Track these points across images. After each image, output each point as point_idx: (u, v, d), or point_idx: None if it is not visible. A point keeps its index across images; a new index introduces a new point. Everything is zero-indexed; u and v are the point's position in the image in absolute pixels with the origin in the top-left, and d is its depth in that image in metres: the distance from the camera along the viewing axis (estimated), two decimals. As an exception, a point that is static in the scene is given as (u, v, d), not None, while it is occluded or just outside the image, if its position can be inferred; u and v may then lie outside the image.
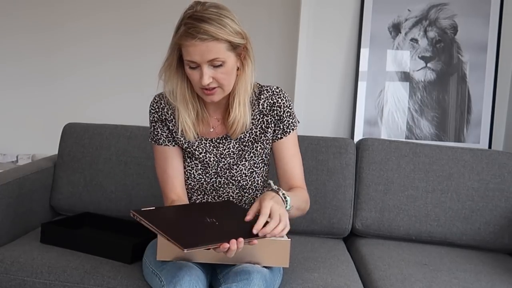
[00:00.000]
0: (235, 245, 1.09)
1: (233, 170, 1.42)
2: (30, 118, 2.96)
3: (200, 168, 1.43)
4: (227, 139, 1.41)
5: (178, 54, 1.29)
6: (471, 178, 1.87)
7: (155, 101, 1.42)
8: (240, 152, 1.42)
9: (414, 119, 2.12)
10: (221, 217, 1.23)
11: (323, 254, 1.67)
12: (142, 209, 1.22)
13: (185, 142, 1.41)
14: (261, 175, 1.46)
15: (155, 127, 1.43)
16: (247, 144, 1.42)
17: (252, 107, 1.39)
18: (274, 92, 1.40)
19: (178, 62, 1.31)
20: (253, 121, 1.40)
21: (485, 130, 2.10)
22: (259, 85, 1.42)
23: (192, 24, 1.21)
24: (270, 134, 1.42)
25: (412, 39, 2.11)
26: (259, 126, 1.41)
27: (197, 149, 1.41)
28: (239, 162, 1.42)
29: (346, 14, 2.15)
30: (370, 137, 2.00)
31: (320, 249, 1.73)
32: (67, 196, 1.94)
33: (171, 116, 1.40)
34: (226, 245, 1.08)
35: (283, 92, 1.41)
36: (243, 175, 1.43)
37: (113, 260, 1.50)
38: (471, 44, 2.10)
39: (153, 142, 1.45)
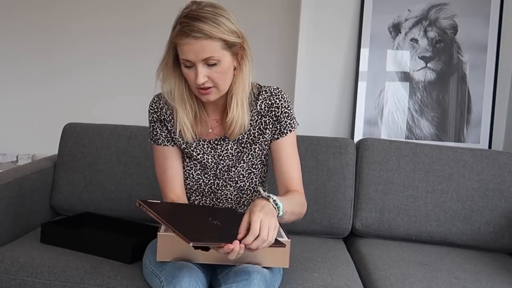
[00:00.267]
0: (238, 246, 1.08)
1: (231, 172, 1.42)
2: (30, 118, 2.96)
3: (199, 169, 1.43)
4: (225, 141, 1.41)
5: (174, 53, 1.30)
6: (471, 178, 1.87)
7: (154, 101, 1.42)
8: (239, 154, 1.42)
9: (414, 119, 2.12)
10: (223, 221, 1.23)
11: (323, 254, 1.67)
12: (149, 200, 1.22)
13: (183, 142, 1.41)
14: (259, 176, 1.46)
15: (154, 127, 1.43)
16: (245, 146, 1.41)
17: (250, 108, 1.39)
18: (273, 93, 1.39)
19: (175, 61, 1.32)
20: (251, 122, 1.39)
21: (485, 130, 2.10)
22: (259, 85, 1.42)
23: (187, 23, 1.21)
24: (268, 135, 1.41)
25: (412, 39, 2.12)
26: (257, 127, 1.40)
27: (195, 150, 1.41)
28: (237, 164, 1.42)
29: (346, 14, 2.15)
30: (370, 137, 2.00)
31: (320, 249, 1.73)
32: (67, 196, 1.94)
33: (170, 117, 1.40)
34: (230, 246, 1.08)
35: (282, 93, 1.40)
36: (241, 176, 1.43)
37: (113, 260, 1.50)
38: (471, 44, 2.10)
39: (152, 142, 1.45)
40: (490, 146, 2.10)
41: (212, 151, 1.41)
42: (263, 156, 1.45)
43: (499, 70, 2.10)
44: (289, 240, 1.26)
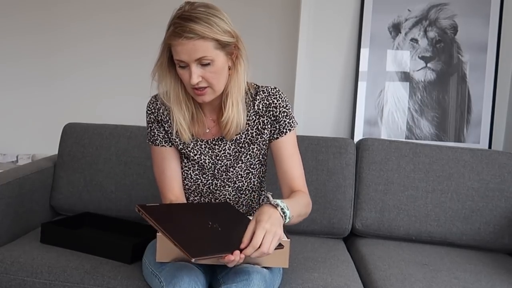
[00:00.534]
0: (238, 256, 1.09)
1: (229, 172, 1.42)
2: (30, 118, 2.96)
3: (197, 169, 1.43)
4: (223, 141, 1.41)
5: (169, 54, 1.30)
6: (471, 178, 1.87)
7: (151, 102, 1.43)
8: (237, 154, 1.42)
9: (414, 119, 2.12)
10: (222, 223, 1.23)
11: (323, 254, 1.67)
12: (147, 204, 1.22)
13: (180, 143, 1.41)
14: (257, 176, 1.46)
15: (152, 128, 1.43)
16: (243, 146, 1.41)
17: (248, 108, 1.38)
18: (270, 93, 1.39)
19: (170, 62, 1.32)
20: (248, 122, 1.39)
21: (485, 130, 2.10)
22: (256, 85, 1.41)
23: (180, 24, 1.22)
24: (267, 135, 1.41)
25: (412, 39, 2.12)
26: (255, 127, 1.40)
27: (192, 150, 1.41)
28: (235, 164, 1.42)
29: (346, 14, 2.15)
30: (370, 137, 2.00)
31: (320, 249, 1.73)
32: (67, 196, 1.94)
33: (167, 117, 1.40)
34: (231, 257, 1.08)
35: (280, 93, 1.40)
36: (239, 177, 1.43)
37: (113, 260, 1.50)
38: (471, 44, 2.10)
39: (150, 143, 1.45)
40: (490, 146, 2.10)
41: (210, 151, 1.41)
42: (261, 156, 1.45)
43: (499, 70, 2.10)
44: (289, 240, 1.26)
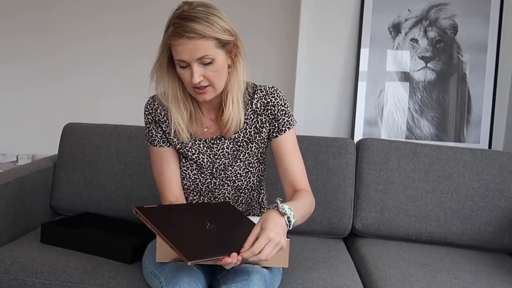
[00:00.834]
0: (236, 259, 1.09)
1: (228, 171, 1.42)
2: (30, 118, 2.96)
3: (195, 169, 1.43)
4: (221, 140, 1.41)
5: (168, 54, 1.30)
6: (471, 178, 1.87)
7: (149, 102, 1.43)
8: (235, 153, 1.42)
9: (414, 119, 2.12)
10: (221, 223, 1.23)
11: (323, 254, 1.67)
12: (145, 206, 1.22)
13: (178, 143, 1.42)
14: (256, 174, 1.46)
15: (150, 129, 1.43)
16: (241, 144, 1.41)
17: (246, 107, 1.39)
18: (268, 92, 1.39)
19: (169, 62, 1.32)
20: (246, 121, 1.39)
21: (485, 130, 2.10)
22: (254, 84, 1.42)
23: (180, 24, 1.22)
24: (265, 133, 1.41)
25: (412, 39, 2.12)
26: (253, 126, 1.40)
27: (190, 150, 1.41)
28: (234, 163, 1.42)
29: (346, 14, 2.15)
30: (370, 137, 2.00)
31: (320, 249, 1.73)
32: (67, 196, 1.94)
33: (164, 117, 1.40)
34: (228, 259, 1.09)
35: (278, 92, 1.40)
36: (238, 176, 1.43)
37: (113, 260, 1.50)
38: (471, 44, 2.10)
39: (148, 144, 1.45)
40: (490, 146, 2.10)
41: (208, 150, 1.41)
42: (259, 155, 1.45)
43: (499, 70, 2.10)
44: (289, 240, 1.26)
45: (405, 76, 2.12)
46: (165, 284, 1.20)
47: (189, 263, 1.05)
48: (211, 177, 1.43)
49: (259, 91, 1.40)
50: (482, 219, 1.85)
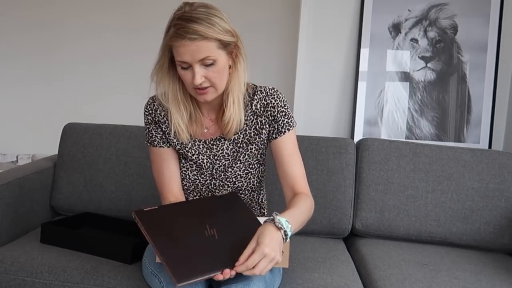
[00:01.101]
0: (228, 275, 1.10)
1: (228, 172, 1.42)
2: (30, 118, 2.96)
3: (195, 169, 1.43)
4: (221, 141, 1.41)
5: (170, 55, 1.30)
6: (471, 178, 1.87)
7: (149, 103, 1.43)
8: (235, 154, 1.42)
9: (414, 119, 2.12)
10: (222, 225, 1.22)
11: (323, 254, 1.67)
12: (144, 209, 1.21)
13: (178, 143, 1.41)
14: (256, 176, 1.46)
15: (150, 129, 1.43)
16: (241, 146, 1.41)
17: (245, 108, 1.38)
18: (268, 93, 1.39)
19: (170, 63, 1.32)
20: (246, 122, 1.39)
21: (485, 130, 2.10)
22: (254, 85, 1.41)
23: (181, 25, 1.21)
24: (265, 135, 1.41)
25: (412, 39, 2.12)
26: (253, 127, 1.40)
27: (190, 150, 1.41)
28: (234, 164, 1.42)
29: (346, 14, 2.15)
30: (370, 137, 2.00)
31: (320, 249, 1.73)
32: (67, 196, 1.94)
33: (164, 118, 1.40)
34: (220, 276, 1.10)
35: (278, 93, 1.40)
36: (238, 177, 1.43)
37: (113, 260, 1.50)
38: (471, 44, 2.10)
39: (148, 144, 1.45)
40: (490, 146, 2.10)
41: (208, 151, 1.41)
42: (259, 156, 1.44)
43: (499, 70, 2.10)
44: (289, 240, 1.26)
45: (405, 76, 2.12)
46: (165, 284, 1.20)
47: (178, 285, 1.06)
48: (211, 178, 1.43)
49: (259, 92, 1.39)
50: (482, 219, 1.85)
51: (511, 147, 2.10)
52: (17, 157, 2.87)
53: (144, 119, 1.44)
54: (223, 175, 1.42)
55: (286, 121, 1.39)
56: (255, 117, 1.40)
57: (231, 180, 1.43)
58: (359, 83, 2.13)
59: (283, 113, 1.39)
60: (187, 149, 1.41)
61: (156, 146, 1.43)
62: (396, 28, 2.12)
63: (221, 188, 1.43)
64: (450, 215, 1.86)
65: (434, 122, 2.12)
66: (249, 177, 1.44)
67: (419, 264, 1.65)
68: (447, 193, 1.87)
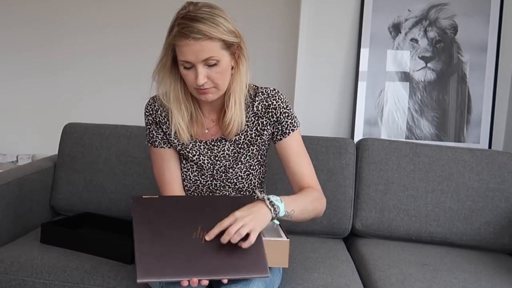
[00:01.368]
0: (196, 284, 1.09)
1: (228, 173, 1.42)
2: (30, 118, 2.96)
3: (196, 170, 1.43)
4: (222, 142, 1.41)
5: (172, 54, 1.29)
6: (471, 178, 1.87)
7: (149, 103, 1.42)
8: (236, 155, 1.42)
9: (414, 119, 2.12)
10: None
11: (323, 254, 1.67)
12: (144, 196, 1.21)
13: (178, 144, 1.41)
14: (257, 177, 1.46)
15: (150, 130, 1.43)
16: (242, 147, 1.41)
17: (247, 109, 1.38)
18: (269, 95, 1.39)
19: (172, 63, 1.31)
20: (247, 123, 1.39)
21: (485, 130, 2.10)
22: (255, 86, 1.41)
23: (186, 24, 1.21)
24: (267, 136, 1.41)
25: (412, 39, 2.12)
26: (254, 128, 1.40)
27: (190, 151, 1.41)
28: (234, 165, 1.42)
29: (346, 14, 2.15)
30: (370, 137, 2.00)
31: (320, 249, 1.73)
32: (67, 196, 1.94)
33: (165, 119, 1.40)
34: (185, 282, 1.09)
35: (279, 94, 1.39)
36: (239, 178, 1.43)
37: (113, 260, 1.50)
38: (471, 44, 2.10)
39: (149, 145, 1.45)
40: (490, 146, 2.10)
41: (209, 152, 1.41)
42: (260, 157, 1.44)
43: (499, 70, 2.10)
44: (289, 240, 1.26)
45: (405, 76, 2.12)
46: (165, 284, 1.19)
47: (138, 281, 1.06)
48: (211, 178, 1.43)
49: (260, 93, 1.39)
50: (482, 219, 1.85)
51: (511, 147, 2.10)
52: (17, 157, 2.87)
53: (145, 119, 1.44)
54: (224, 176, 1.42)
55: (290, 122, 1.39)
56: (256, 118, 1.40)
57: (232, 181, 1.42)
58: (359, 83, 2.13)
59: (286, 114, 1.38)
60: (187, 149, 1.41)
61: (157, 146, 1.43)
62: (396, 28, 2.12)
63: (222, 189, 1.43)
64: (450, 215, 1.86)
65: (434, 122, 2.12)
66: (250, 178, 1.44)
67: (419, 264, 1.65)
68: (447, 193, 1.87)
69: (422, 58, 2.12)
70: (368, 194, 1.88)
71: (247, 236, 1.13)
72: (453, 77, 2.11)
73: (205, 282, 1.11)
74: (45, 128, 2.85)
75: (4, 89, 2.97)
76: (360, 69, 2.12)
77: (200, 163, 1.42)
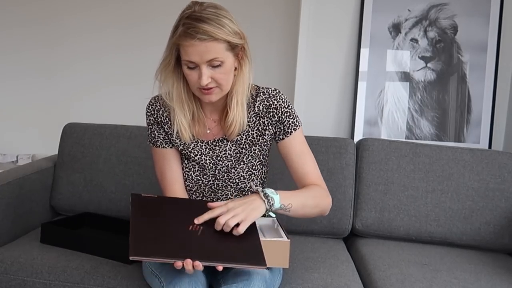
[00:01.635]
0: (190, 266, 1.08)
1: (230, 173, 1.42)
2: (30, 118, 2.96)
3: (198, 170, 1.43)
4: (224, 142, 1.41)
5: (176, 54, 1.29)
6: (471, 178, 1.87)
7: (151, 103, 1.42)
8: (238, 155, 1.42)
9: (414, 119, 2.12)
10: (211, 229, 1.18)
11: (323, 254, 1.67)
12: (142, 194, 1.21)
13: (180, 144, 1.41)
14: (259, 177, 1.46)
15: (152, 130, 1.43)
16: (244, 147, 1.41)
17: (248, 109, 1.38)
18: (271, 95, 1.39)
19: (176, 62, 1.31)
20: (249, 123, 1.39)
21: (485, 130, 2.10)
22: (257, 86, 1.41)
23: (191, 24, 1.21)
24: (269, 136, 1.41)
25: (412, 39, 2.12)
26: (256, 128, 1.40)
27: (192, 151, 1.41)
28: (237, 165, 1.42)
29: (346, 14, 2.15)
30: (370, 137, 2.00)
31: (320, 249, 1.73)
32: (67, 196, 1.94)
33: (167, 119, 1.40)
34: (179, 263, 1.08)
35: (280, 94, 1.40)
36: (241, 178, 1.43)
37: (113, 260, 1.50)
38: (471, 44, 2.10)
39: (151, 145, 1.45)
40: (490, 146, 2.10)
41: (210, 152, 1.41)
42: (262, 157, 1.45)
43: (499, 70, 2.10)
44: (289, 240, 1.26)
45: (405, 76, 2.12)
46: (165, 284, 1.19)
47: (130, 258, 1.05)
48: (213, 178, 1.43)
49: (261, 93, 1.39)
50: (482, 219, 1.85)
51: (511, 147, 2.10)
52: (17, 157, 2.87)
53: (146, 119, 1.44)
54: (226, 176, 1.42)
55: (292, 121, 1.39)
56: (258, 118, 1.40)
57: (234, 181, 1.43)
58: (359, 83, 2.13)
59: (287, 114, 1.39)
60: (189, 149, 1.41)
61: (159, 146, 1.43)
62: (396, 28, 2.12)
63: (224, 189, 1.43)
64: (450, 215, 1.86)
65: (434, 122, 2.12)
66: (252, 178, 1.44)
67: (419, 264, 1.65)
68: (447, 193, 1.87)
69: (422, 58, 2.12)
70: (368, 194, 1.88)
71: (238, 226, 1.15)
72: (453, 77, 2.11)
73: (200, 267, 1.09)
74: (45, 128, 2.84)
75: (4, 89, 2.96)
76: (360, 69, 2.12)
77: (202, 163, 1.42)
